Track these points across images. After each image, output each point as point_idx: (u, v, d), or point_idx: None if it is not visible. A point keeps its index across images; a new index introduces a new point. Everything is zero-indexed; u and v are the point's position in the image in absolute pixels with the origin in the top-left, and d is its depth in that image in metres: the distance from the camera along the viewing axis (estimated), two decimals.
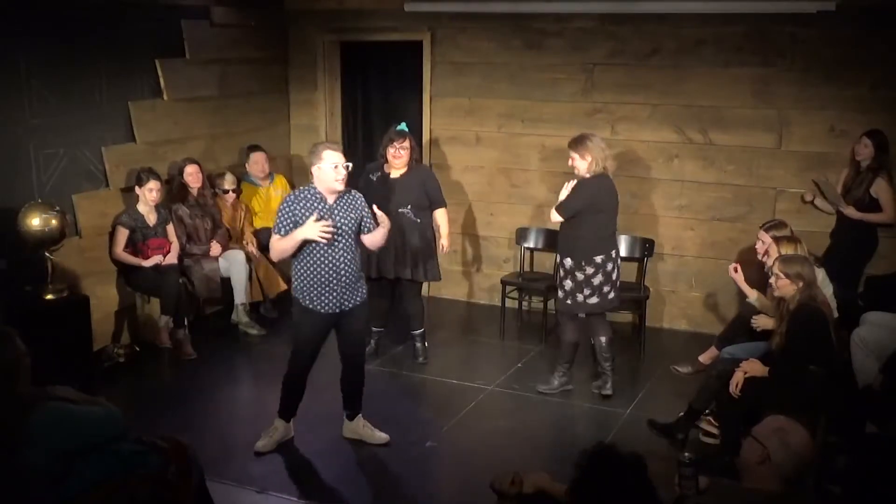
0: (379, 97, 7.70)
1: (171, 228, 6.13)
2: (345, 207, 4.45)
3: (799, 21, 5.94)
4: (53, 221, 5.11)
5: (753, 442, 2.76)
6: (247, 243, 6.62)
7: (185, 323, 6.06)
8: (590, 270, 5.18)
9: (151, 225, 5.98)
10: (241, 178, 6.92)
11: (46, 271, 5.24)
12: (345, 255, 4.42)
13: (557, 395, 5.45)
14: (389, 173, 5.76)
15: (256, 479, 4.35)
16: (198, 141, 6.65)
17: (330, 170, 4.34)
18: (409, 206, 5.68)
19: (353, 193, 4.54)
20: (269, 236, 6.84)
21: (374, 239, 4.59)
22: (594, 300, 5.24)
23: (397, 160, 5.69)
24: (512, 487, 3.05)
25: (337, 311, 4.45)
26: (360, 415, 4.80)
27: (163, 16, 6.27)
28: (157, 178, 5.96)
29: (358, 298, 4.53)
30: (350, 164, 4.44)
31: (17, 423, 2.60)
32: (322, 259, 4.38)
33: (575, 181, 5.20)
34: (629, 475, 2.41)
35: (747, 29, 6.11)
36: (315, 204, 4.38)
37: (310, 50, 7.48)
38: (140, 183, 5.90)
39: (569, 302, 5.28)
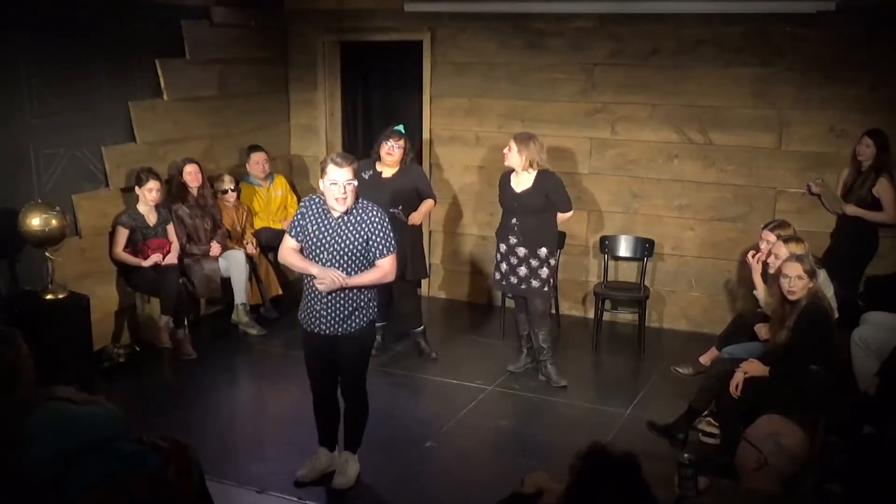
0: (379, 97, 7.70)
1: (171, 228, 6.13)
2: (352, 225, 3.95)
3: (799, 21, 5.94)
4: (53, 221, 5.11)
5: (748, 446, 2.74)
6: (247, 244, 6.62)
7: (185, 323, 6.06)
8: (552, 259, 5.51)
9: (151, 225, 5.98)
10: (242, 178, 6.92)
11: (46, 271, 5.23)
12: None
13: (558, 395, 5.47)
14: (381, 172, 5.76)
15: (256, 479, 4.36)
16: (198, 141, 6.65)
17: (329, 187, 3.89)
18: (400, 207, 5.68)
19: (369, 211, 3.98)
20: (270, 236, 6.95)
21: (368, 276, 4.00)
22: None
23: (390, 157, 5.69)
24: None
25: (323, 333, 4.03)
26: (346, 451, 4.32)
27: (163, 16, 6.27)
28: (157, 177, 5.97)
29: (350, 328, 4.02)
30: (355, 183, 3.91)
31: (17, 423, 2.59)
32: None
33: (537, 175, 5.35)
34: (622, 475, 2.39)
35: (747, 29, 6.11)
36: (319, 218, 3.98)
37: (310, 50, 7.48)
38: (140, 183, 5.91)
39: (546, 289, 5.52)
